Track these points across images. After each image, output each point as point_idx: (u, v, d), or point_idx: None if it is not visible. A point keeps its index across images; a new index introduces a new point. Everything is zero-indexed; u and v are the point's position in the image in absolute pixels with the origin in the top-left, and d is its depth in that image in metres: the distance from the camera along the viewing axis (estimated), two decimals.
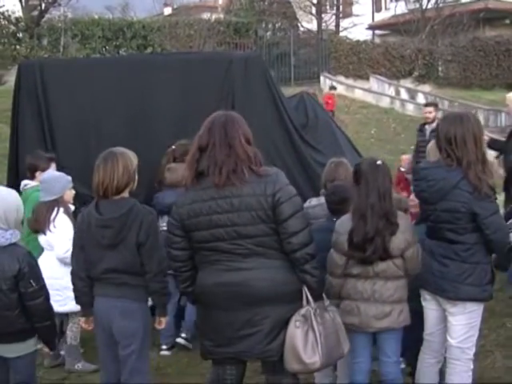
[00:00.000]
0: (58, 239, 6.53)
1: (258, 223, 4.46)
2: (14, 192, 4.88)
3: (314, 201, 6.09)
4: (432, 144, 7.24)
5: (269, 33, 32.11)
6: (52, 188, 6.62)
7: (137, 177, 5.12)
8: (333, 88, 22.31)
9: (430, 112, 11.21)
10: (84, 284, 5.08)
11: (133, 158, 5.13)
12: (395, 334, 5.20)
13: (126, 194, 5.01)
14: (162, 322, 5.27)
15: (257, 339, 4.54)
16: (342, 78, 28.47)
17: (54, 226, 6.51)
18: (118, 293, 4.92)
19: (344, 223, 5.13)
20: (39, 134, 7.98)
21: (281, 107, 8.39)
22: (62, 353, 6.92)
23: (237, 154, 4.46)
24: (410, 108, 24.13)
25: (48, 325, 4.85)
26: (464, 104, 24.08)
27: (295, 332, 4.48)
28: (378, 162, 5.09)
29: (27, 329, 4.81)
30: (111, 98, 8.11)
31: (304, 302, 4.56)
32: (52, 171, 7.02)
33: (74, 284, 5.17)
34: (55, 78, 8.12)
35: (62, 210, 6.57)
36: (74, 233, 5.28)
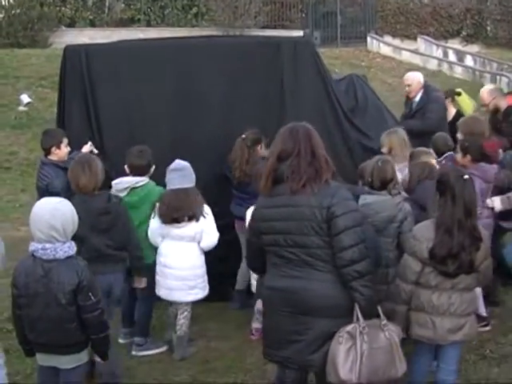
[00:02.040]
0: (211, 226, 6.76)
1: (312, 234, 4.53)
2: (67, 202, 4.92)
3: (368, 198, 6.05)
4: None
5: None
6: (190, 175, 6.82)
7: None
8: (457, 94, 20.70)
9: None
10: None
11: None
12: (461, 343, 5.31)
13: None
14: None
15: (300, 347, 4.65)
16: (388, 39, 27.99)
17: (203, 215, 6.80)
18: None
19: (424, 231, 5.15)
20: (85, 123, 8.02)
21: (331, 92, 8.30)
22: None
23: (319, 163, 4.56)
24: (459, 71, 23.66)
25: (103, 336, 4.95)
26: None
27: (337, 347, 4.54)
28: (466, 177, 5.06)
29: (83, 340, 4.92)
30: (158, 84, 8.09)
31: (354, 318, 4.57)
32: (177, 160, 7.04)
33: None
34: (101, 64, 8.10)
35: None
36: None
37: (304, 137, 4.63)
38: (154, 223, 6.94)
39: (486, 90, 9.79)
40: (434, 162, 7.05)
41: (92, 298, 4.79)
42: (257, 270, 5.34)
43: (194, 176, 6.87)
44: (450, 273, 5.01)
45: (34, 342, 4.98)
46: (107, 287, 5.95)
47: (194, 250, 6.87)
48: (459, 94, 10.06)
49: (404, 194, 6.09)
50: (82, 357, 5.01)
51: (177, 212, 6.74)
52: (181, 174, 6.81)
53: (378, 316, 4.72)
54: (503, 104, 9.39)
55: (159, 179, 7.11)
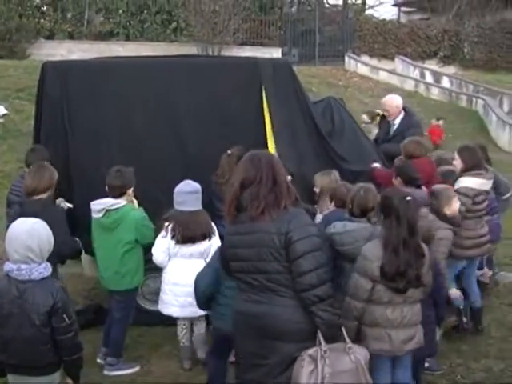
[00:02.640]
0: (218, 242, 6.68)
1: (271, 260, 4.57)
2: (43, 223, 4.90)
3: (338, 226, 6.05)
4: None
5: (294, 8, 31.76)
6: (197, 200, 6.87)
7: None
8: (441, 118, 20.83)
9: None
10: None
11: None
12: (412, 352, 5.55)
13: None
14: None
15: (265, 371, 4.67)
16: (366, 58, 28.31)
17: (213, 233, 6.96)
18: None
19: (373, 250, 5.30)
20: (59, 139, 7.96)
21: (307, 114, 8.35)
22: None
23: (280, 189, 4.60)
24: (435, 92, 23.95)
25: (76, 358, 4.92)
26: (489, 89, 23.83)
27: (300, 371, 4.55)
28: (408, 198, 5.25)
29: (55, 362, 4.88)
30: (135, 102, 8.08)
31: (317, 342, 4.59)
32: (189, 182, 7.07)
33: None
34: (78, 82, 8.06)
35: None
36: None
37: (266, 164, 4.66)
38: (163, 243, 6.97)
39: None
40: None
41: (66, 319, 4.75)
42: None
43: (199, 200, 7.00)
44: (400, 289, 5.22)
45: (5, 363, 4.92)
46: None
47: (202, 266, 6.84)
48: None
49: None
50: (55, 378, 4.96)
51: (193, 232, 6.81)
52: (196, 197, 6.89)
53: (339, 339, 4.73)
54: None
55: (143, 197, 7.26)
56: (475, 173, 7.39)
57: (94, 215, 7.04)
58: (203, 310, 6.39)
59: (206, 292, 5.93)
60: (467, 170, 7.43)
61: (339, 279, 5.81)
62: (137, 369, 7.20)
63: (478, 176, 7.40)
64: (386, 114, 9.76)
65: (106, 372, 7.11)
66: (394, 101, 9.82)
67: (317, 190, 7.73)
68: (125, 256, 6.98)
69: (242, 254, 4.66)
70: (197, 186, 6.99)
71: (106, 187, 7.02)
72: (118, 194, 7.00)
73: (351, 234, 5.86)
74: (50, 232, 4.88)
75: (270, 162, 4.70)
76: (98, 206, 6.99)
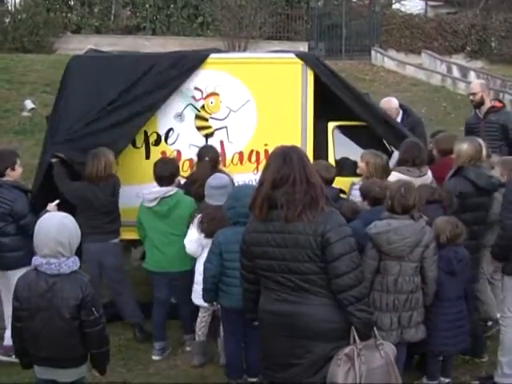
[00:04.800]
0: None
1: (307, 261, 4.56)
2: (71, 217, 4.94)
3: (380, 224, 5.97)
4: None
5: (320, 2, 31.61)
6: (221, 196, 6.86)
7: None
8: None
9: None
10: None
11: None
12: None
13: None
14: None
15: (299, 371, 4.67)
16: (393, 53, 28.07)
17: None
18: None
19: None
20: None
21: None
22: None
23: (315, 191, 4.57)
24: (462, 87, 23.69)
25: (103, 351, 4.97)
26: None
27: (336, 370, 4.56)
28: None
29: (83, 355, 4.93)
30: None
31: (351, 340, 4.59)
32: (219, 175, 7.24)
33: None
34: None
35: None
36: None
37: (298, 163, 4.62)
38: (193, 234, 7.06)
39: (478, 82, 10.16)
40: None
41: (95, 312, 4.81)
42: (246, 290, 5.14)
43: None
44: None
45: (34, 355, 4.98)
46: None
47: None
48: None
49: (425, 217, 6.03)
50: (82, 371, 5.02)
51: (216, 226, 6.76)
52: (222, 192, 6.88)
53: (370, 337, 4.75)
54: (487, 102, 9.87)
55: None
56: (404, 168, 7.28)
57: (147, 204, 7.29)
58: (207, 301, 6.52)
59: (216, 276, 6.25)
60: (400, 163, 7.40)
61: (384, 279, 5.84)
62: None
63: (406, 173, 7.18)
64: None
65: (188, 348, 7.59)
66: (392, 103, 9.95)
67: (362, 164, 7.69)
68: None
69: (272, 252, 4.63)
70: (223, 180, 7.05)
71: (155, 179, 7.35)
72: (167, 183, 7.34)
73: (397, 231, 5.82)
74: (77, 226, 4.93)
75: (301, 160, 4.66)
76: (152, 195, 7.28)
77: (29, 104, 17.30)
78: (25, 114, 17.21)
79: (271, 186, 4.58)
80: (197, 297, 7.01)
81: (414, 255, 5.87)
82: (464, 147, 7.19)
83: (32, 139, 15.81)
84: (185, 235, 7.13)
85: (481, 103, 9.85)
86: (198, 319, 7.30)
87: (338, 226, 4.56)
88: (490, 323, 7.59)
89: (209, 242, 6.84)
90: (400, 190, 5.91)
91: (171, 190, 7.32)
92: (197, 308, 7.29)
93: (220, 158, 8.13)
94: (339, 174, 7.96)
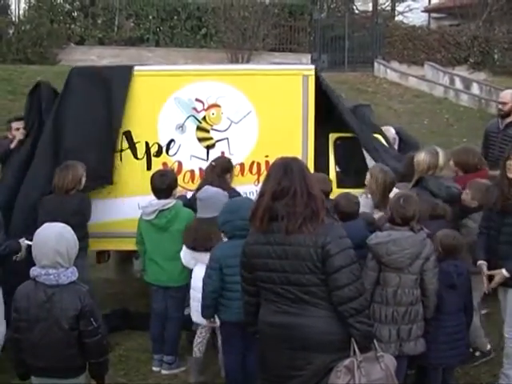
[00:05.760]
0: None
1: (307, 273, 4.53)
2: (69, 228, 4.95)
3: (381, 235, 5.92)
4: None
5: (323, 14, 31.65)
6: (213, 205, 6.72)
7: None
8: None
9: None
10: None
11: None
12: None
13: None
14: None
15: (298, 383, 4.62)
16: (395, 64, 28.11)
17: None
18: None
19: None
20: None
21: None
22: None
23: (316, 203, 4.56)
24: (464, 98, 23.73)
25: (102, 361, 4.98)
26: None
27: (336, 381, 4.52)
28: None
29: (81, 365, 4.93)
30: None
31: (351, 352, 4.57)
32: (206, 187, 7.19)
33: None
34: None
35: None
36: None
37: (299, 175, 4.61)
38: (186, 248, 7.06)
39: (510, 92, 9.75)
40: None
41: (94, 323, 4.81)
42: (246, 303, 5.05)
43: (221, 203, 6.62)
44: None
45: (32, 366, 4.97)
46: None
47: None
48: None
49: (426, 229, 6.01)
50: (80, 380, 5.01)
51: (204, 241, 6.73)
52: (207, 204, 6.85)
53: (371, 349, 4.72)
54: None
55: None
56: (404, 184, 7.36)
57: (145, 217, 7.26)
58: (206, 317, 6.44)
59: (216, 291, 6.16)
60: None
61: (383, 291, 5.83)
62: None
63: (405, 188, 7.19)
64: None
65: (164, 371, 7.38)
66: (389, 133, 9.86)
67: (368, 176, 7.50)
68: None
69: (272, 264, 4.61)
70: (209, 193, 7.00)
71: (152, 191, 7.32)
72: (165, 195, 7.28)
73: (396, 242, 5.79)
74: (75, 236, 4.94)
75: (302, 172, 4.65)
76: (150, 208, 7.24)
77: None
78: None
79: (272, 198, 4.57)
80: (194, 314, 6.98)
81: (414, 267, 5.85)
82: (421, 157, 7.39)
83: None
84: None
85: (508, 114, 9.56)
86: (196, 336, 7.25)
87: (338, 237, 4.55)
88: (477, 353, 7.41)
89: (197, 254, 6.86)
90: (399, 201, 5.91)
91: (169, 202, 7.26)
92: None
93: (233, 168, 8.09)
94: (340, 185, 7.95)
